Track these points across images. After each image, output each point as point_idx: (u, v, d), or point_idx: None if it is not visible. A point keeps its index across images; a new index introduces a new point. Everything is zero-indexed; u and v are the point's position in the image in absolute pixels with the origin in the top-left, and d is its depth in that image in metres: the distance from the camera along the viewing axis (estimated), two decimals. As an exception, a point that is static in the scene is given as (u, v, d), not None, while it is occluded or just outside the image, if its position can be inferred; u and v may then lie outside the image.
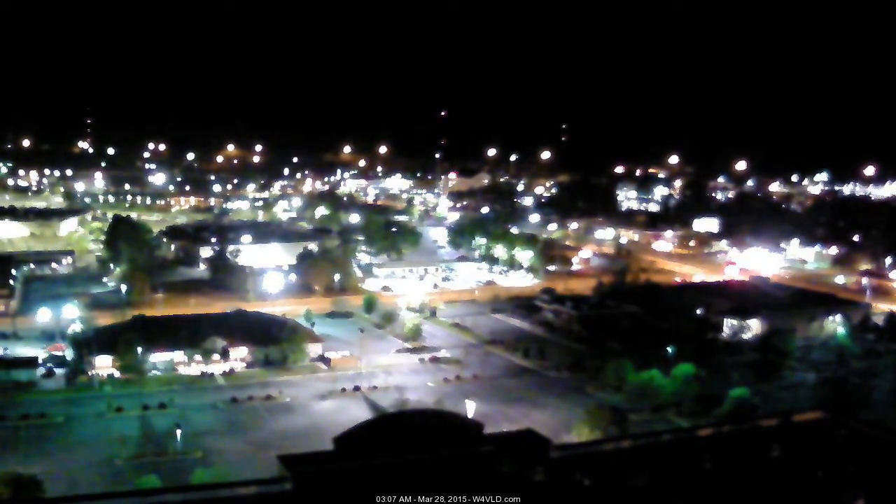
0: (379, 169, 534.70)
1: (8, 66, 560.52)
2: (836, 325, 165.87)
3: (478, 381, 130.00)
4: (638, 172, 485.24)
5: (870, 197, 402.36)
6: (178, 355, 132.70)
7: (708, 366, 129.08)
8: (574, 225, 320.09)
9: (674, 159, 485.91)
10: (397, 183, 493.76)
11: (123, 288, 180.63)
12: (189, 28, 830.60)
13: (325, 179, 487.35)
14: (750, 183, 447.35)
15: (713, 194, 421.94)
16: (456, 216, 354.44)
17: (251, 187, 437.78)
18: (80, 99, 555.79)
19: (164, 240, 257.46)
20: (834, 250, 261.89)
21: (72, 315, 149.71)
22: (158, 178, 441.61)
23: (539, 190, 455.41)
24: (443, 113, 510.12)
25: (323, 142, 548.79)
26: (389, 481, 69.60)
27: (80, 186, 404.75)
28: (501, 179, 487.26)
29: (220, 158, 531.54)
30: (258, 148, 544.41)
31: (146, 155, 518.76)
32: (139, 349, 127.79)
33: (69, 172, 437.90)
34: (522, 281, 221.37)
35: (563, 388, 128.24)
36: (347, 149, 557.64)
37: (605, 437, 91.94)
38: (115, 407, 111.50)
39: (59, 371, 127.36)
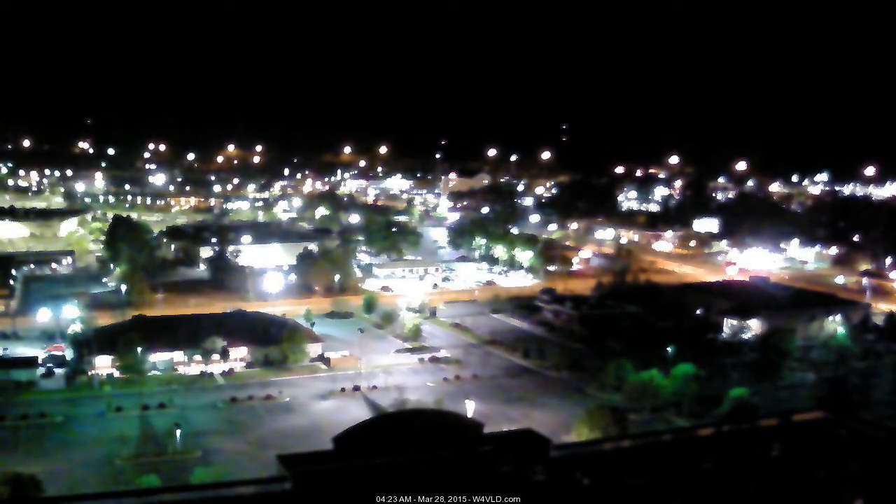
0: (379, 169, 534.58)
1: (8, 67, 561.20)
2: (836, 325, 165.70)
3: (478, 381, 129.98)
4: (638, 172, 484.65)
5: (870, 197, 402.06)
6: (178, 355, 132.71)
7: (708, 366, 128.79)
8: (574, 225, 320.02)
9: (674, 159, 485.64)
10: (397, 183, 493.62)
11: (123, 288, 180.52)
12: (189, 28, 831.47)
13: (326, 180, 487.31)
14: (750, 183, 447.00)
15: (713, 194, 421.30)
16: (456, 216, 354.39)
17: (251, 187, 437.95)
18: (81, 99, 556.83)
19: (164, 240, 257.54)
20: (834, 250, 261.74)
21: (72, 315, 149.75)
22: (158, 179, 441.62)
23: (539, 190, 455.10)
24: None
25: (323, 142, 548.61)
26: (389, 481, 69.56)
27: (80, 187, 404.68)
28: (501, 180, 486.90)
29: (220, 158, 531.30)
30: (258, 148, 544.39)
31: (146, 155, 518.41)
32: (139, 349, 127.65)
33: (69, 173, 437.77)
34: (522, 281, 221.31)
35: (563, 388, 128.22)
36: (348, 149, 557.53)
37: (605, 437, 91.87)
38: (114, 407, 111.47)
39: (58, 371, 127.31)
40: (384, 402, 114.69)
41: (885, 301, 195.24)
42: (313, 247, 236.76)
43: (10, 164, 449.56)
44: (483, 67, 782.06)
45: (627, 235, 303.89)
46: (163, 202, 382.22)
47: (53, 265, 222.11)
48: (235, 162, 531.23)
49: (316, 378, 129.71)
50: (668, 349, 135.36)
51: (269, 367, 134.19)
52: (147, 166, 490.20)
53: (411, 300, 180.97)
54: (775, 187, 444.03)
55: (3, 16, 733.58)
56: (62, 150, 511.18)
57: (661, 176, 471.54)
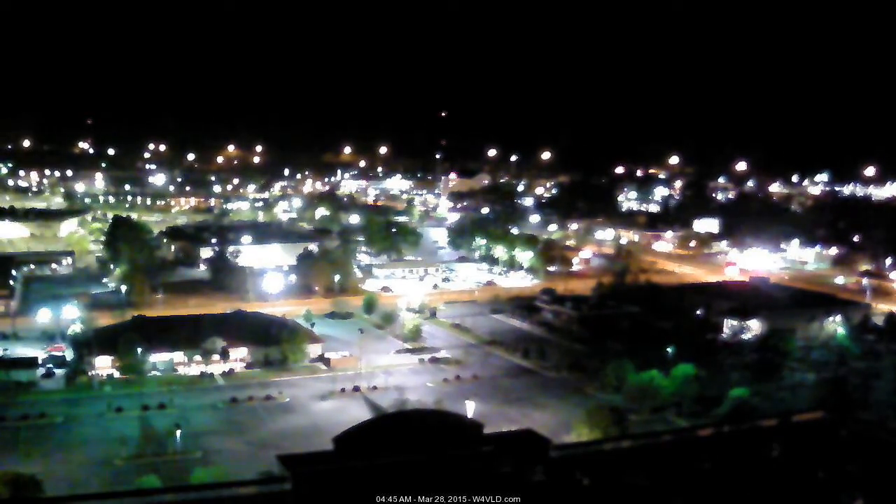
0: (379, 169, 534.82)
1: (9, 67, 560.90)
2: (836, 325, 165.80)
3: (478, 382, 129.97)
4: (638, 173, 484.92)
5: (870, 197, 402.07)
6: (178, 356, 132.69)
7: (708, 366, 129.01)
8: (574, 225, 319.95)
9: (674, 160, 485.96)
10: (397, 183, 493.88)
11: (123, 288, 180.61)
12: (189, 28, 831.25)
13: (326, 180, 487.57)
14: (750, 183, 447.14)
15: (713, 195, 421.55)
16: (456, 217, 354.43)
17: (251, 188, 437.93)
18: (81, 99, 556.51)
19: (165, 240, 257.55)
20: (834, 251, 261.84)
21: (72, 315, 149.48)
22: (158, 179, 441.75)
23: (539, 190, 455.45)
24: (443, 113, 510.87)
25: (323, 142, 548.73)
26: (389, 481, 69.61)
27: (80, 187, 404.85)
28: (501, 180, 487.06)
29: (220, 159, 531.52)
30: (258, 148, 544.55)
31: (146, 155, 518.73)
32: (139, 349, 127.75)
33: (69, 173, 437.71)
34: (522, 281, 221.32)
35: (563, 388, 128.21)
36: (347, 149, 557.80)
37: (605, 437, 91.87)
38: (114, 407, 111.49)
39: (59, 371, 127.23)
40: (384, 402, 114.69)
41: (885, 301, 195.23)
42: (313, 247, 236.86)
43: (10, 164, 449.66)
44: (483, 67, 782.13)
45: (627, 236, 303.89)
46: (163, 202, 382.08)
47: (53, 265, 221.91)
48: (235, 162, 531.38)
49: (316, 378, 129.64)
50: (668, 349, 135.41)
51: (269, 368, 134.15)
52: (147, 166, 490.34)
53: (411, 300, 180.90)
54: (775, 187, 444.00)
55: (4, 15, 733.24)
56: (62, 150, 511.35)
57: (661, 176, 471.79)
